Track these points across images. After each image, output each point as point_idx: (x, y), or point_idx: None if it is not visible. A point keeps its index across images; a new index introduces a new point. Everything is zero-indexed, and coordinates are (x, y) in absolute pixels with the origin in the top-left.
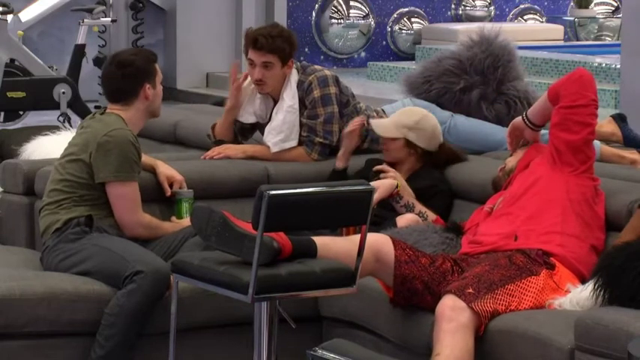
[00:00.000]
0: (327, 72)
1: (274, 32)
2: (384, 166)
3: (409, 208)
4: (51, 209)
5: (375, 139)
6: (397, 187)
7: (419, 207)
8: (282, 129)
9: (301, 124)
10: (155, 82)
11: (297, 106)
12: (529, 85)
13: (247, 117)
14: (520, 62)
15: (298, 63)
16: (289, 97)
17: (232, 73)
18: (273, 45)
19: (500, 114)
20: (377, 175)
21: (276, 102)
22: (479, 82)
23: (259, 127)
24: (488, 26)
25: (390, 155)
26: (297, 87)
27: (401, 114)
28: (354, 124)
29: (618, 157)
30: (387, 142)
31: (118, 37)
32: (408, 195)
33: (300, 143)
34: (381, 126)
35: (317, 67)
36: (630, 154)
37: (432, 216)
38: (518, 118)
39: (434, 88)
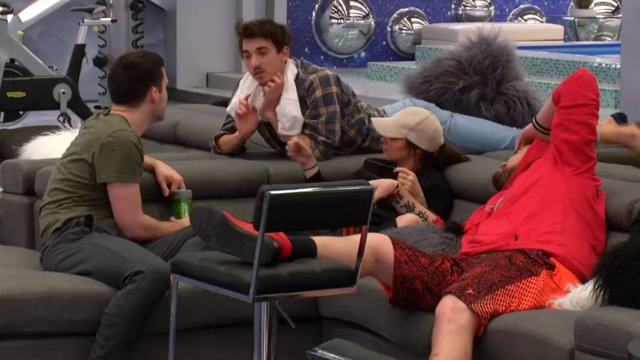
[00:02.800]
0: (329, 72)
1: (263, 20)
2: (404, 169)
3: (409, 209)
4: (51, 209)
5: (376, 139)
6: (397, 187)
7: (419, 207)
8: (281, 120)
9: (304, 124)
10: (161, 85)
11: (294, 97)
12: (528, 85)
13: None
14: (519, 62)
15: (299, 60)
16: (285, 90)
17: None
18: (263, 29)
19: (499, 114)
20: (379, 174)
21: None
22: (478, 82)
23: (266, 124)
24: (487, 27)
25: (390, 154)
26: (298, 84)
27: (403, 114)
28: (291, 146)
29: (618, 134)
30: (388, 141)
31: (118, 37)
32: (410, 196)
33: None
34: (382, 125)
35: (318, 66)
36: (629, 128)
37: (432, 217)
38: (529, 125)
39: (433, 88)
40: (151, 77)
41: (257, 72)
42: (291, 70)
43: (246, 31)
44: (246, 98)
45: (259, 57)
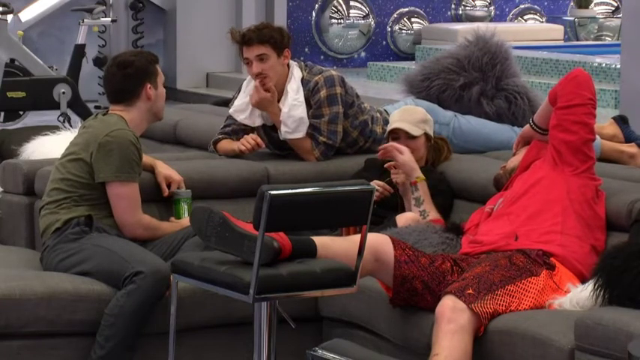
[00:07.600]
0: (334, 72)
1: (260, 26)
2: (395, 164)
3: (418, 203)
4: (51, 209)
5: (378, 140)
6: (417, 178)
7: (425, 205)
8: (286, 122)
9: None
10: (157, 82)
11: (302, 99)
12: (526, 83)
13: (255, 119)
14: (516, 62)
15: (302, 63)
16: (293, 92)
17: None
18: (261, 35)
19: (500, 109)
20: (380, 174)
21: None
22: (478, 78)
23: (265, 128)
24: (483, 27)
25: (415, 154)
26: (303, 85)
27: (407, 113)
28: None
29: (618, 153)
30: (410, 144)
31: (118, 37)
32: (425, 192)
33: None
34: (405, 130)
35: (322, 67)
36: (629, 147)
37: (432, 215)
38: (526, 126)
39: (434, 85)
40: (145, 74)
41: (260, 77)
42: (297, 72)
43: (244, 39)
44: (256, 140)
45: (260, 64)
